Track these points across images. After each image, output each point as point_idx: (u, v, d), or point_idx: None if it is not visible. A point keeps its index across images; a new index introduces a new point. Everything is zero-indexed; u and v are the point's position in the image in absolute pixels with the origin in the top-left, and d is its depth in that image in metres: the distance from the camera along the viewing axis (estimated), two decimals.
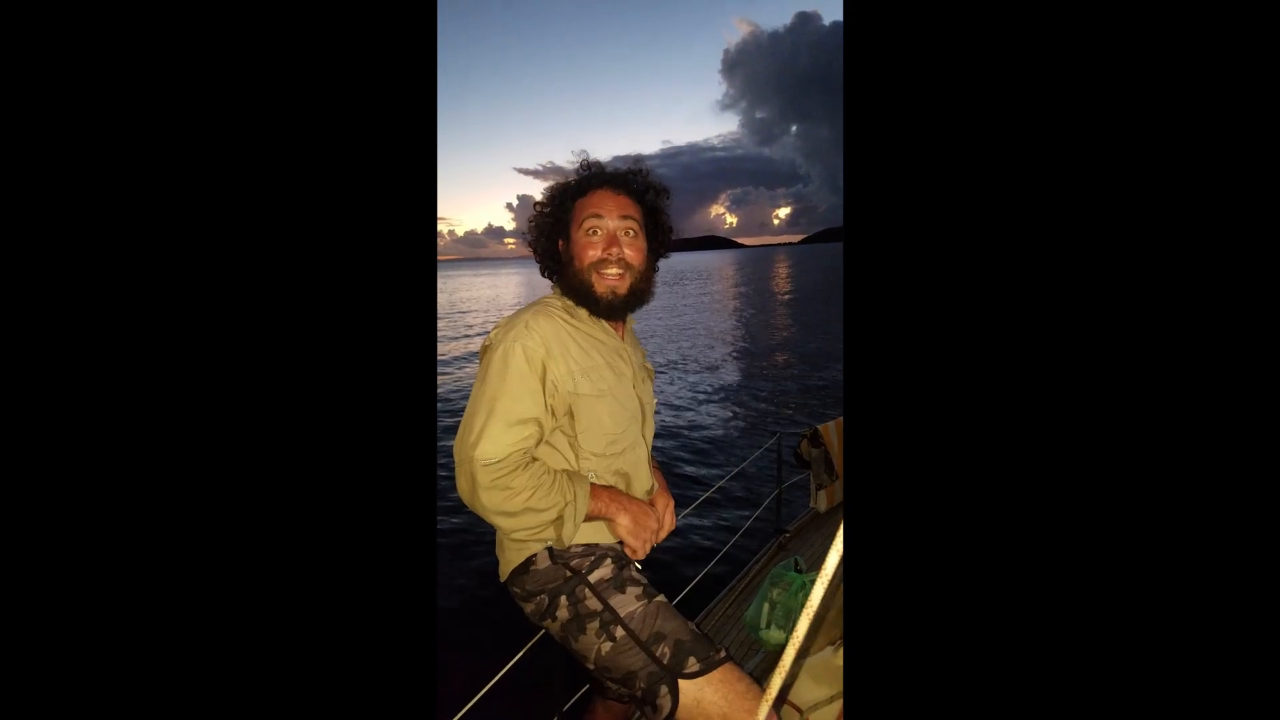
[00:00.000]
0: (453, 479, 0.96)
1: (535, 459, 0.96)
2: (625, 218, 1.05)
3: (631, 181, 1.09)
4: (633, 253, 1.05)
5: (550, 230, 1.10)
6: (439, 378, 11.08)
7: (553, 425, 0.99)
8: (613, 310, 1.06)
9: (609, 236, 1.03)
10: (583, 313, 1.07)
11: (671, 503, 1.22)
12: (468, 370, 11.80)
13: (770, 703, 0.61)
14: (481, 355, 1.02)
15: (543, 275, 1.13)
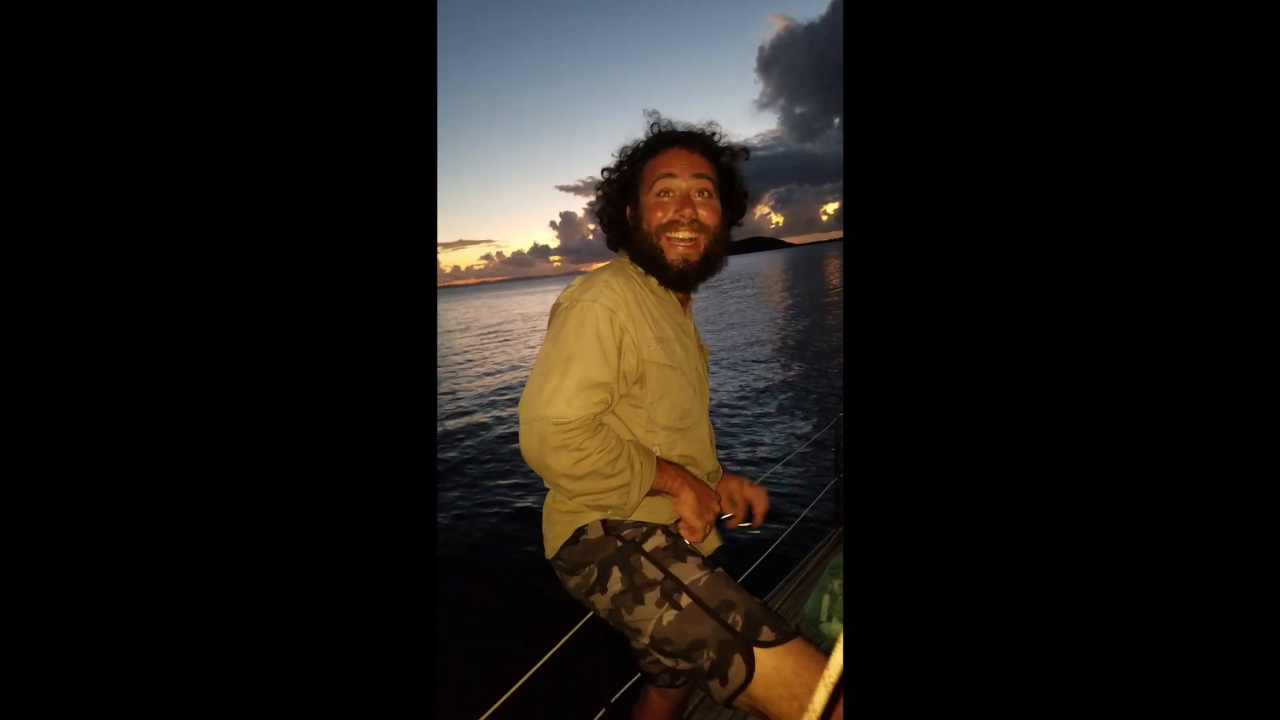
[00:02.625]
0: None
1: (604, 424, 0.91)
2: (699, 176, 0.97)
3: (705, 140, 1.01)
4: (707, 213, 0.97)
5: (618, 196, 1.04)
6: (474, 390, 11.35)
7: (622, 392, 0.93)
8: (684, 279, 0.99)
9: (681, 197, 0.96)
10: (653, 281, 1.01)
11: (746, 480, 1.15)
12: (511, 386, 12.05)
13: (830, 687, 0.56)
14: (554, 313, 0.96)
15: (609, 247, 1.07)
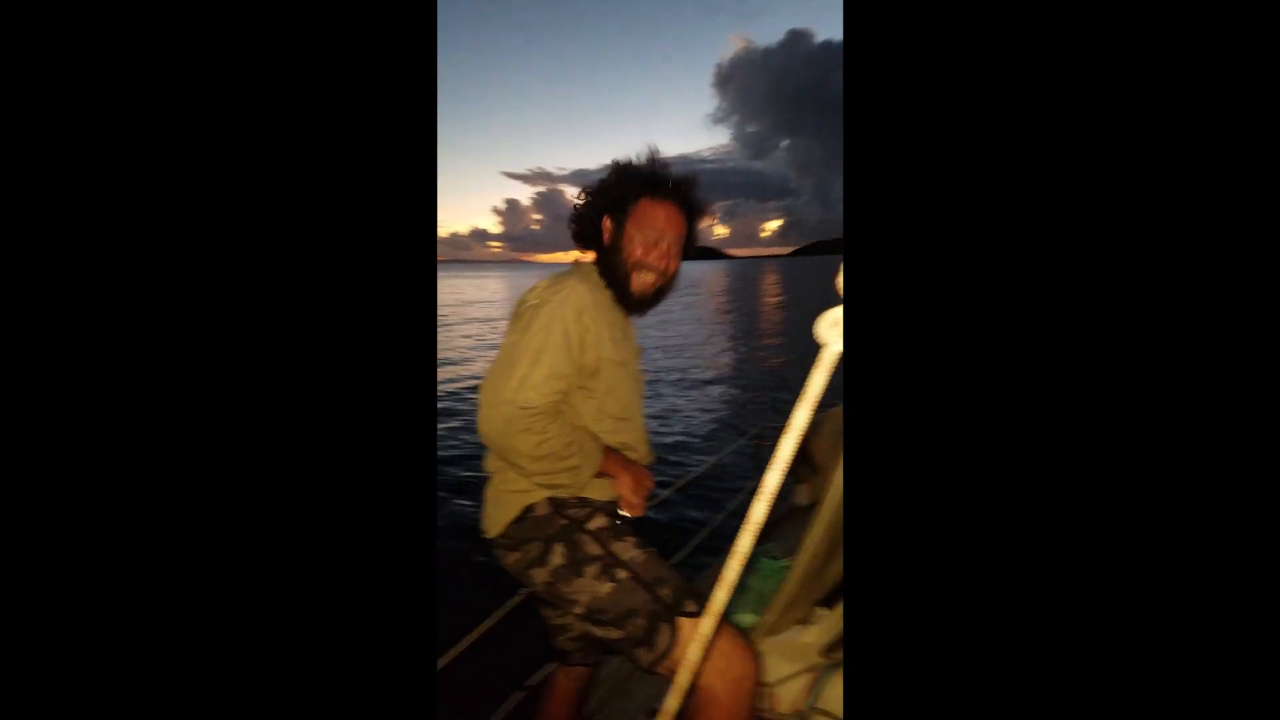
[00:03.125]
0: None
1: (561, 411, 1.03)
2: (679, 237, 1.15)
3: (691, 203, 1.17)
4: (674, 262, 1.16)
5: (601, 206, 1.17)
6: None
7: (579, 384, 1.06)
8: (640, 306, 1.16)
9: (663, 251, 1.13)
10: (610, 292, 1.15)
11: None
12: (465, 367, 11.74)
13: (717, 615, 0.60)
14: (519, 310, 1.08)
15: (574, 240, 1.22)
